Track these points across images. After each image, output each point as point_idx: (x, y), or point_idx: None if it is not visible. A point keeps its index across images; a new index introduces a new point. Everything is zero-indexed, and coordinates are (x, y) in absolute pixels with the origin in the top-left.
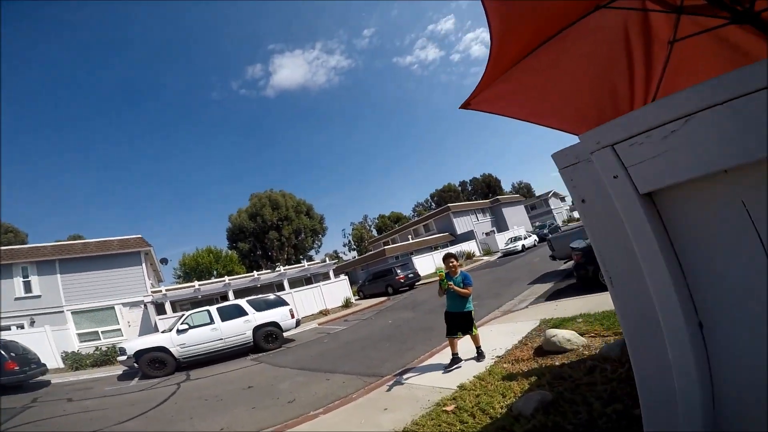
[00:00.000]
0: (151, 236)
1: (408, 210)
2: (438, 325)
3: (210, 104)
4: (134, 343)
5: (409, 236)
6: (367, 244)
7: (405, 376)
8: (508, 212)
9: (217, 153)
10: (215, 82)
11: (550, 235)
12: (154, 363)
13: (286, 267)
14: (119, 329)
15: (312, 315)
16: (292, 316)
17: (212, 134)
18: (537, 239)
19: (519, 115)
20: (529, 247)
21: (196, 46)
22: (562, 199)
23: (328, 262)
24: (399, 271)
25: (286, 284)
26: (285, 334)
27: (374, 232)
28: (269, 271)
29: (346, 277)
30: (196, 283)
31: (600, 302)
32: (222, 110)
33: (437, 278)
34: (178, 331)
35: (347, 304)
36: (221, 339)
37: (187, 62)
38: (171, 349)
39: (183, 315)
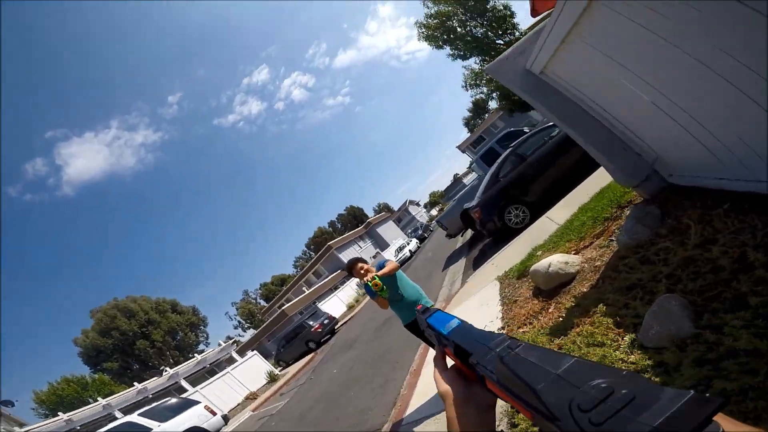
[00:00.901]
0: None
1: (289, 269)
2: (395, 347)
3: None
4: None
5: (304, 289)
6: (260, 316)
7: (414, 415)
8: (382, 230)
9: (24, 278)
10: None
11: (437, 219)
12: None
13: (178, 367)
14: None
15: (239, 405)
16: (213, 413)
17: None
18: (418, 242)
19: None
20: (415, 251)
21: None
22: (417, 204)
23: (224, 344)
24: (311, 322)
25: (185, 384)
26: None
27: (262, 303)
28: (157, 378)
29: (255, 351)
30: (63, 416)
31: (533, 238)
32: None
33: (374, 289)
34: None
35: (273, 377)
36: None
37: None
38: None
39: None
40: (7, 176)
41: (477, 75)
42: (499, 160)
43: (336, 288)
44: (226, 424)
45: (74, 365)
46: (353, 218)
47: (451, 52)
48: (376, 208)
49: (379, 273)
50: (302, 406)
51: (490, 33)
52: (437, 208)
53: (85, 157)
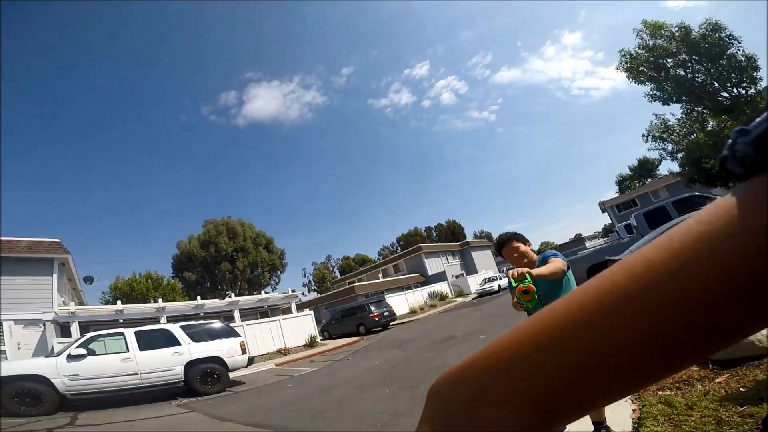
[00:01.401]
0: (79, 251)
1: (373, 253)
2: (455, 362)
3: (175, 126)
4: None
5: (379, 275)
6: (329, 284)
7: None
8: (476, 256)
9: (174, 175)
10: (186, 104)
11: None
12: (22, 397)
13: (240, 297)
14: (2, 351)
15: (267, 354)
16: (243, 352)
17: (172, 156)
18: None
19: None
20: (504, 288)
21: (174, 65)
22: None
23: (290, 293)
24: (373, 308)
25: (236, 316)
26: (232, 375)
27: (337, 274)
28: (217, 300)
29: (312, 312)
30: (120, 304)
31: None
32: (187, 134)
33: (516, 289)
34: (70, 357)
35: (312, 342)
36: (136, 374)
37: (161, 80)
38: (54, 381)
39: (83, 337)
40: (207, 98)
41: (667, 127)
42: (680, 219)
43: (408, 288)
44: (247, 365)
45: (160, 265)
46: (451, 233)
47: (652, 93)
48: (477, 233)
49: (536, 272)
50: (328, 381)
51: (716, 83)
52: None
53: (264, 101)
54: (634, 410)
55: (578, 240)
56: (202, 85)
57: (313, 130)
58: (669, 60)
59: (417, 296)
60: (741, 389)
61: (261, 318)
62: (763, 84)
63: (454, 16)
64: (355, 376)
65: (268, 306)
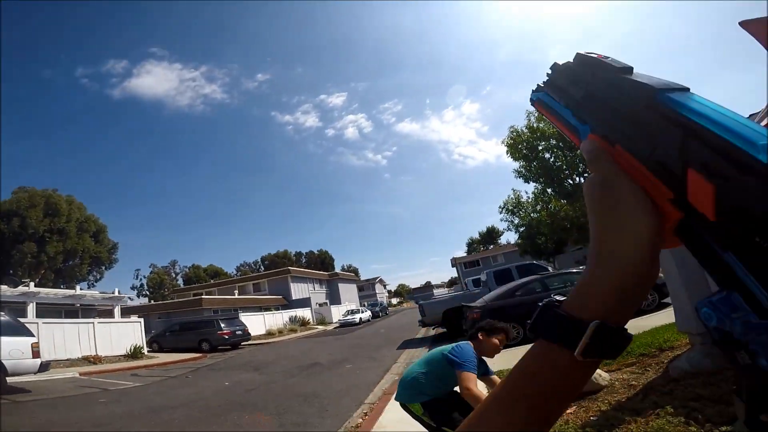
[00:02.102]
0: None
1: (230, 268)
2: (326, 393)
3: (31, 79)
4: None
5: (235, 292)
6: (168, 292)
7: None
8: (342, 288)
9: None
10: (59, 59)
11: (421, 301)
12: None
13: (41, 288)
14: None
15: (69, 360)
16: (36, 355)
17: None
18: (371, 315)
19: None
20: (365, 321)
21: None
22: (385, 285)
23: (116, 294)
24: (223, 324)
25: (30, 310)
26: (14, 380)
27: (180, 282)
28: (5, 287)
29: (141, 319)
30: None
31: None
32: (40, 89)
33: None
34: None
35: (136, 354)
36: None
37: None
38: None
39: None
40: (90, 60)
41: (520, 203)
42: (523, 280)
43: (268, 309)
44: (38, 371)
45: None
46: (321, 262)
47: (520, 169)
48: (345, 267)
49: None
50: (162, 400)
51: (569, 170)
52: (398, 299)
53: (156, 80)
54: None
55: (428, 287)
56: (92, 45)
57: (198, 123)
58: (543, 143)
59: (277, 318)
60: (592, 418)
61: (67, 317)
62: None
63: (389, 59)
64: (199, 396)
65: (81, 305)
